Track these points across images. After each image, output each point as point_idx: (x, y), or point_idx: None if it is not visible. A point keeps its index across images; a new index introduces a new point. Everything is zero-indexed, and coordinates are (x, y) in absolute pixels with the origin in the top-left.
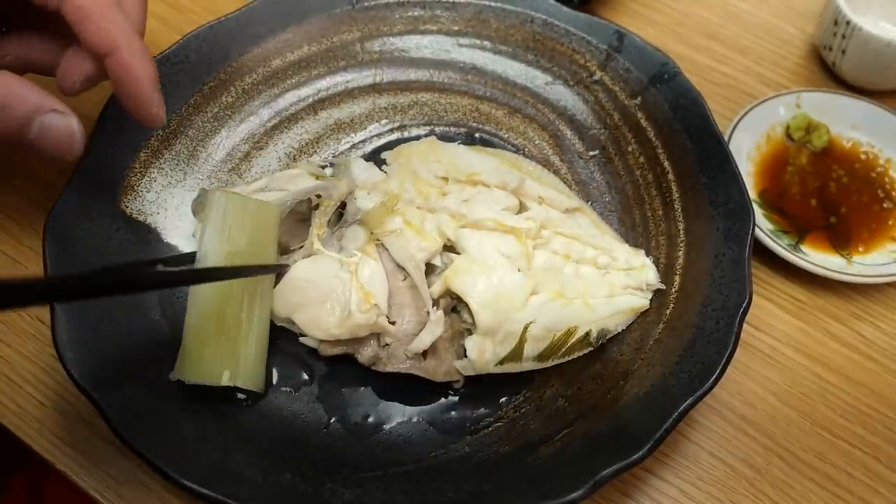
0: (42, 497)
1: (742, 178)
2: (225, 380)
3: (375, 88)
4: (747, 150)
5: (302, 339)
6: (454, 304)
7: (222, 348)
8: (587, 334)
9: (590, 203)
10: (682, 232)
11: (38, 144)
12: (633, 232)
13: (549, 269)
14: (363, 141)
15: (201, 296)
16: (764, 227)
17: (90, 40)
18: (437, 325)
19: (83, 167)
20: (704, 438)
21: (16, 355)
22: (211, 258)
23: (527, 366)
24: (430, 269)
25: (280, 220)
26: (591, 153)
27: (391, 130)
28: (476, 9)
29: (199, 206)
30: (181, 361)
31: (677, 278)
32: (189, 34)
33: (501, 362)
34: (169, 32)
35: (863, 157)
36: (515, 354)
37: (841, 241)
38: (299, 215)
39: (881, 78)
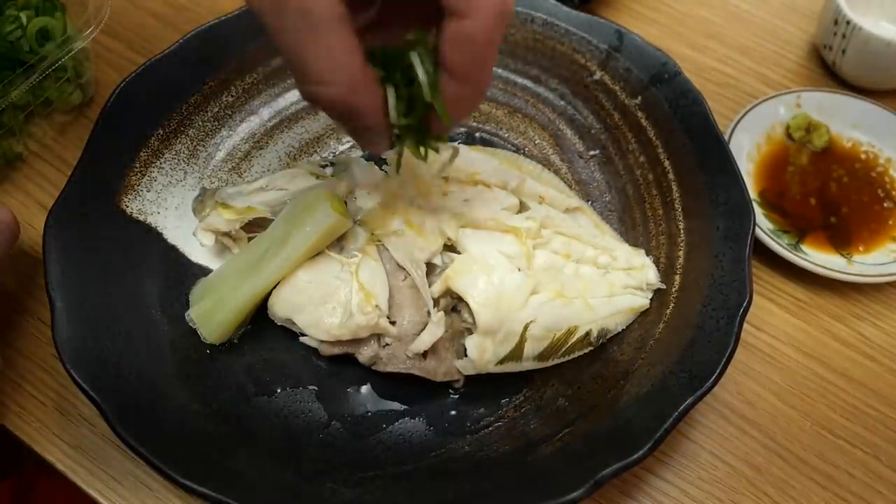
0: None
1: (742, 178)
2: (193, 312)
3: None
4: (747, 149)
5: (302, 339)
6: (454, 304)
7: (221, 294)
8: (587, 334)
9: (590, 203)
10: (682, 231)
11: None
12: (634, 232)
13: (549, 269)
14: None
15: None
16: (764, 226)
17: None
18: (437, 326)
19: (83, 166)
20: (705, 438)
21: (16, 355)
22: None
23: (527, 365)
24: (430, 268)
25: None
26: (591, 153)
27: None
28: None
29: (200, 206)
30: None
31: (677, 278)
32: (189, 33)
33: (501, 362)
34: (169, 32)
35: (863, 156)
36: (515, 354)
37: (841, 240)
38: None
39: (881, 78)
